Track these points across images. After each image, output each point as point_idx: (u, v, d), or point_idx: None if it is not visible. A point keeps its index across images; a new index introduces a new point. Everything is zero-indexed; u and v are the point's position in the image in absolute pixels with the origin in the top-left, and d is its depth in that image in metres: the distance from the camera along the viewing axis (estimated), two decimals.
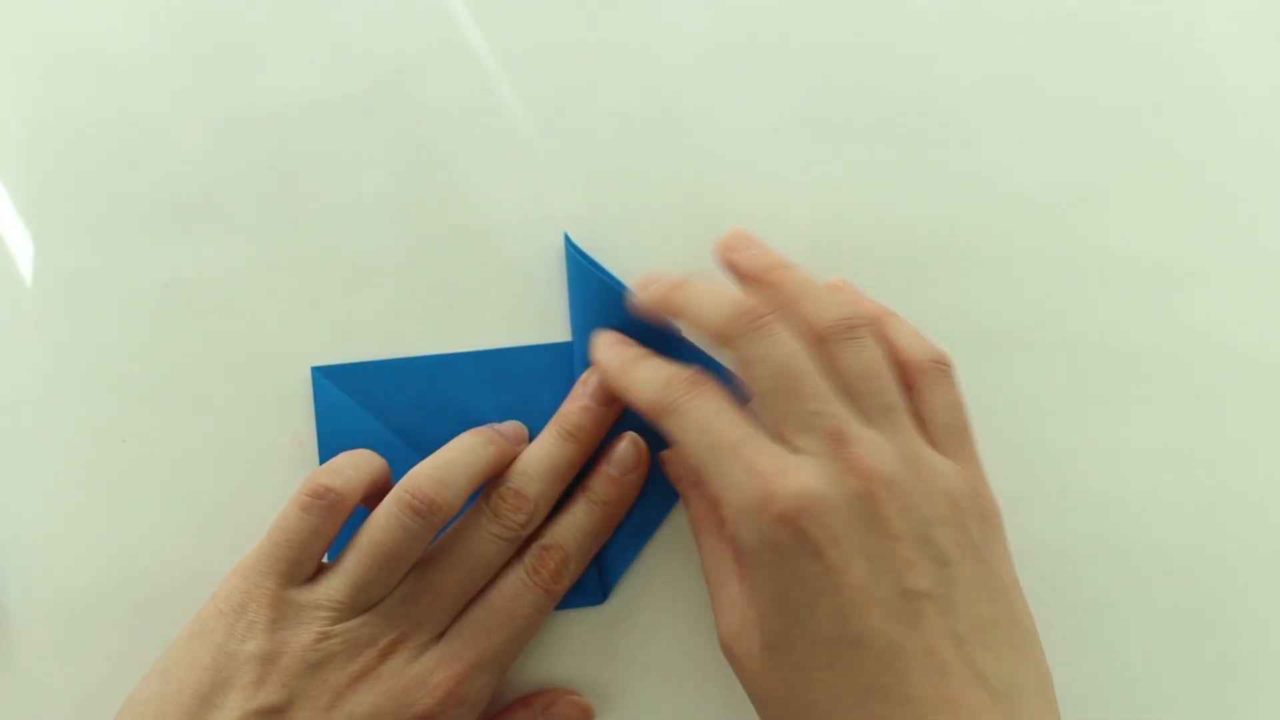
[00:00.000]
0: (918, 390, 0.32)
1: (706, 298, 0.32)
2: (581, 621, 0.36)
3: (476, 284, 0.37)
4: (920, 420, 0.31)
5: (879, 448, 0.29)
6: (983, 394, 0.37)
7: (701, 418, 0.30)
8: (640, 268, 0.37)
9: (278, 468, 0.36)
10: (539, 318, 0.37)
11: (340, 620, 0.31)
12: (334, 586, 0.31)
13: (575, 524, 0.34)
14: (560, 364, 0.36)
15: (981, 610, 0.28)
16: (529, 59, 0.38)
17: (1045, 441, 0.37)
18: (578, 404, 0.34)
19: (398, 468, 0.34)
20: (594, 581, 0.36)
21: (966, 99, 0.38)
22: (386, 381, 0.34)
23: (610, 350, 0.34)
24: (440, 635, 0.32)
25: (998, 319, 0.37)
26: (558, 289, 0.37)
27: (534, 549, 0.33)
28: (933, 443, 0.31)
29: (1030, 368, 0.37)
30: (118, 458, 0.36)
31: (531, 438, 0.35)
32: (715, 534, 0.33)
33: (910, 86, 0.38)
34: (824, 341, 0.31)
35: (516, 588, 0.32)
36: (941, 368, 0.32)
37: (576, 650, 0.36)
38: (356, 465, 0.32)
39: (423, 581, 0.32)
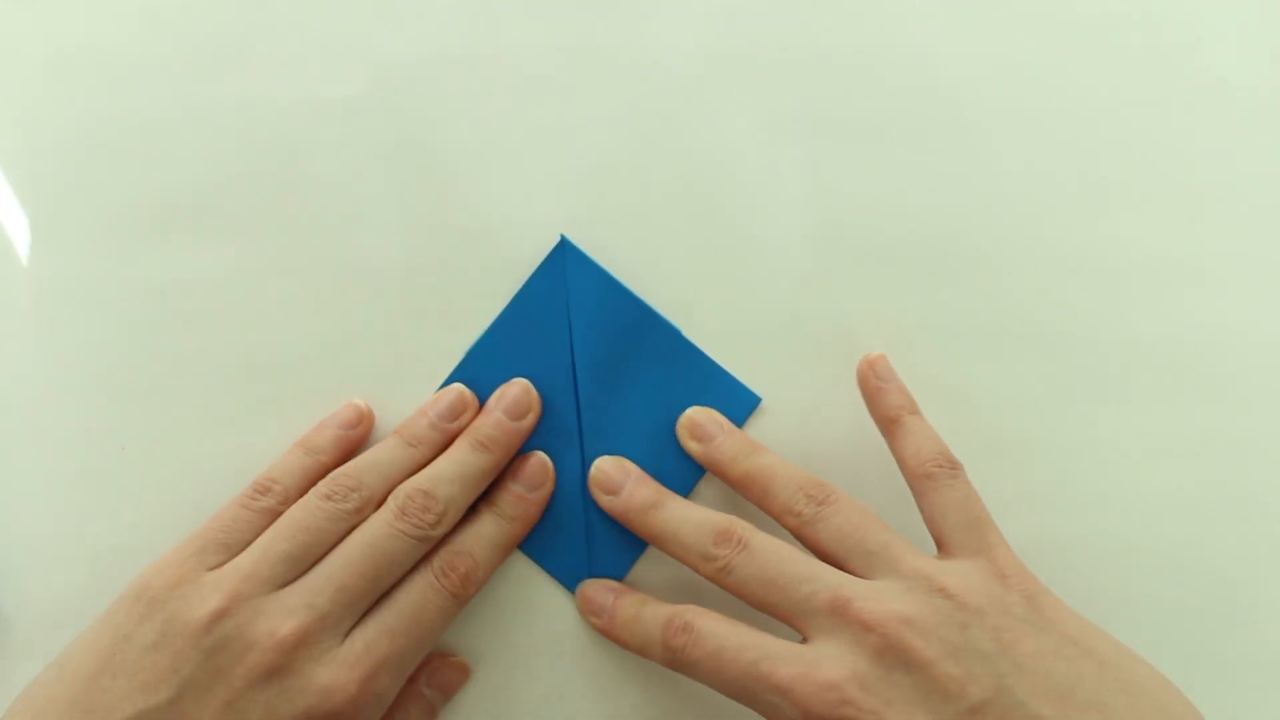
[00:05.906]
0: (926, 496, 0.33)
1: (682, 526, 0.33)
2: (582, 622, 0.36)
3: (476, 285, 0.37)
4: (933, 523, 0.33)
5: (881, 592, 0.30)
6: (983, 393, 0.37)
7: (708, 658, 0.31)
8: (640, 268, 0.37)
9: None
10: None
11: (243, 597, 0.30)
12: (242, 560, 0.31)
13: (482, 534, 0.34)
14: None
15: (1058, 679, 0.28)
16: (527, 59, 0.38)
17: (1045, 440, 0.37)
18: (491, 418, 0.35)
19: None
20: None
21: (966, 99, 0.38)
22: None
23: (593, 605, 0.35)
24: (346, 635, 0.31)
25: (997, 318, 0.37)
26: None
27: (443, 552, 0.33)
28: (948, 545, 0.32)
29: (1030, 367, 0.37)
30: (116, 463, 0.36)
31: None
32: None
33: (910, 86, 0.38)
34: (799, 522, 0.32)
35: (424, 590, 0.32)
36: (947, 470, 0.33)
37: (576, 651, 0.36)
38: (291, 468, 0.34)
39: (329, 573, 0.31)
